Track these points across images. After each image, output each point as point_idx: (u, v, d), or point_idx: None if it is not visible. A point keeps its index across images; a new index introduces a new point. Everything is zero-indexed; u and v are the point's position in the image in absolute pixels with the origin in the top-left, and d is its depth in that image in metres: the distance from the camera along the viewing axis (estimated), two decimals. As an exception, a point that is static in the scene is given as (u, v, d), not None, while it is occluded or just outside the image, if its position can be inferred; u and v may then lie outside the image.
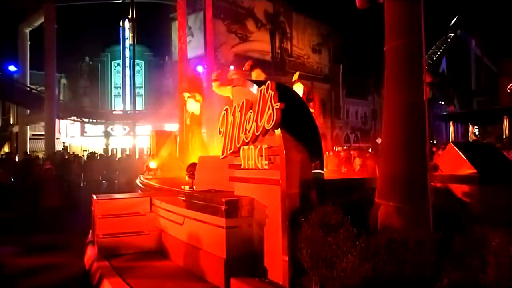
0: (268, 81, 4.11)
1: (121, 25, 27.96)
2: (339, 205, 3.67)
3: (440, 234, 3.13)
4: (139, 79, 28.07)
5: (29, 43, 26.71)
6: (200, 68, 23.60)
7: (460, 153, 4.60)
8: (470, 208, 4.14)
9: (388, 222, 3.66)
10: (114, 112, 28.26)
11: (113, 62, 29.03)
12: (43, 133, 24.24)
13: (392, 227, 3.53)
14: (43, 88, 24.50)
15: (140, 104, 27.74)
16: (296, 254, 3.54)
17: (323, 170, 4.06)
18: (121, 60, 28.23)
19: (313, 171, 3.99)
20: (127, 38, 27.52)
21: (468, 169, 4.44)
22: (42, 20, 24.65)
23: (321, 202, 3.89)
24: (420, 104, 3.73)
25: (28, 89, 25.45)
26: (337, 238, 3.24)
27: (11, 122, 29.26)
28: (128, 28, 27.09)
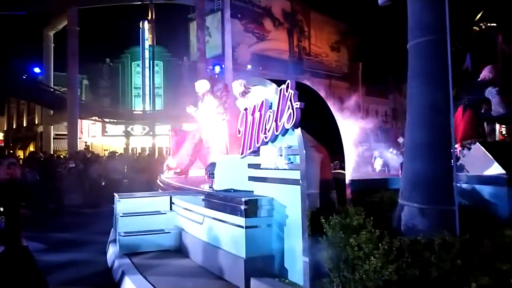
0: (288, 80, 4.08)
1: (140, 26, 28.31)
2: (361, 206, 3.61)
3: (467, 237, 3.03)
4: (158, 80, 28.36)
5: (53, 45, 27.37)
6: (217, 68, 23.73)
7: (487, 153, 4.46)
8: (498, 210, 4.01)
9: (412, 224, 3.58)
10: (134, 112, 28.66)
11: (133, 63, 29.43)
12: (66, 133, 24.81)
13: (416, 229, 3.45)
14: (66, 89, 25.07)
15: (159, 104, 28.03)
16: (317, 255, 3.50)
17: (344, 170, 4.00)
18: (140, 61, 28.60)
19: (333, 171, 3.94)
20: (146, 39, 27.85)
21: (496, 170, 4.30)
22: (65, 23, 25.19)
23: (342, 203, 3.84)
24: (445, 103, 3.63)
25: (52, 90, 26.08)
26: (359, 240, 3.18)
27: (36, 122, 30.05)
28: (147, 30, 27.41)
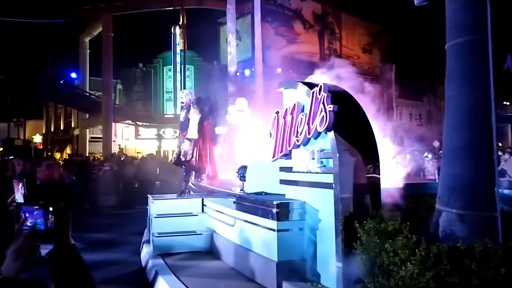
0: (321, 83, 4.05)
1: (172, 31, 28.91)
2: (396, 210, 3.53)
3: (511, 244, 2.90)
4: (189, 84, 28.82)
5: (88, 51, 28.42)
6: (247, 72, 23.89)
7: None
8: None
9: (450, 230, 3.46)
10: (165, 116, 29.26)
11: (164, 67, 30.10)
12: (101, 136, 25.67)
13: (455, 236, 3.33)
14: (101, 93, 25.97)
15: (190, 107, 28.44)
16: (350, 260, 3.45)
17: (379, 174, 3.93)
18: (172, 66, 29.20)
19: (368, 175, 3.87)
20: (178, 44, 28.42)
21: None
22: (100, 29, 26.15)
23: (376, 207, 3.77)
24: (486, 105, 3.50)
25: (87, 94, 27.08)
26: (394, 245, 3.11)
27: (72, 126, 31.23)
28: (179, 35, 27.98)
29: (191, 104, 6.95)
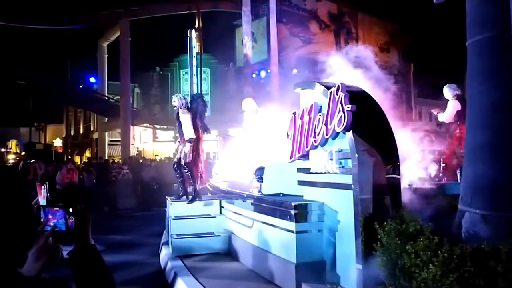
0: (338, 83, 4.01)
1: (188, 35, 29.17)
2: (417, 211, 3.46)
3: (538, 246, 2.81)
4: (205, 86, 29.07)
5: (106, 56, 28.93)
6: (263, 73, 23.92)
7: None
8: None
9: (473, 231, 3.38)
10: (182, 118, 29.51)
11: (181, 71, 30.40)
12: (120, 139, 26.09)
13: (478, 237, 3.25)
14: (119, 97, 26.40)
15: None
16: (371, 262, 3.40)
17: (399, 174, 3.86)
18: (189, 69, 29.47)
19: (387, 176, 3.81)
20: (194, 48, 28.63)
21: None
22: (118, 34, 26.60)
23: (397, 208, 3.71)
24: (509, 103, 3.41)
25: (106, 98, 27.57)
26: (416, 247, 3.05)
27: (91, 129, 31.84)
28: (195, 38, 28.20)
29: (180, 107, 6.66)
